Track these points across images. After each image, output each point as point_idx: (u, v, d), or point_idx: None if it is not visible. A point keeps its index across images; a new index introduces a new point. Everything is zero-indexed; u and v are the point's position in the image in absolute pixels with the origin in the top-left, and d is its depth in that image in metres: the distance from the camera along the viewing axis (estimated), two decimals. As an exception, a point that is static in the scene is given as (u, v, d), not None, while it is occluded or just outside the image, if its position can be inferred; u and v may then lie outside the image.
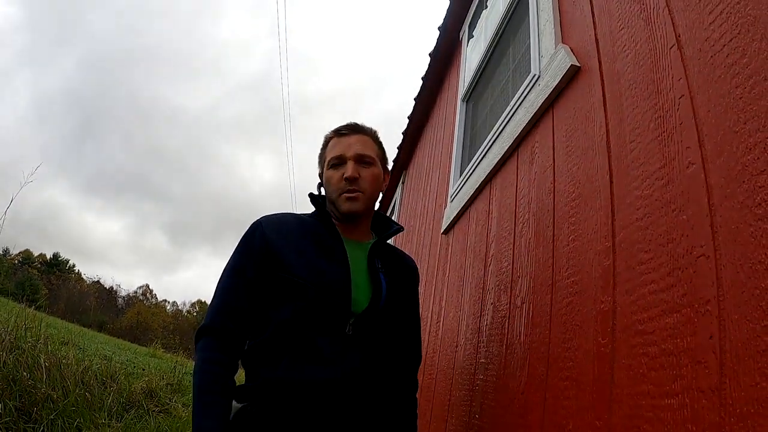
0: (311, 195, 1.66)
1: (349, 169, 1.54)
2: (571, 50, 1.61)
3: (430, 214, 3.88)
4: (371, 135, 1.65)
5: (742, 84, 0.85)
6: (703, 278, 0.85)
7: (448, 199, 3.16)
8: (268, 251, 1.47)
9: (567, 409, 1.19)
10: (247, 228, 1.56)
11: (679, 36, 1.04)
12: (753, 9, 0.85)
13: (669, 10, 1.09)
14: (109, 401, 3.82)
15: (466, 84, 3.35)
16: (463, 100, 3.38)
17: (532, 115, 1.80)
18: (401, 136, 5.85)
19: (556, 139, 1.60)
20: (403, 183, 6.27)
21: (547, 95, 1.68)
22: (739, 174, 0.82)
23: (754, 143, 0.79)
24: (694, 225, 0.90)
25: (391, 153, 6.31)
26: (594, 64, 1.44)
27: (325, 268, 1.48)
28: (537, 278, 1.54)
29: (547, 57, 1.78)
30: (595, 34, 1.48)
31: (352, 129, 1.63)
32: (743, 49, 0.86)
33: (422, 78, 4.83)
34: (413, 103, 5.24)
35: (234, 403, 1.39)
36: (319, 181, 1.67)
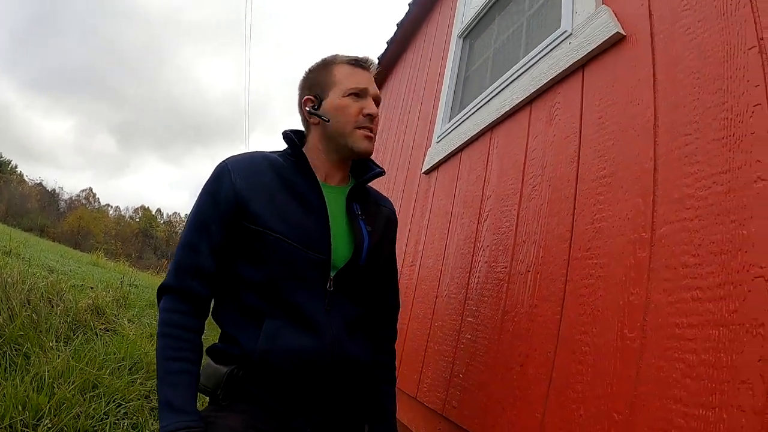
0: (287, 134, 1.54)
1: (374, 106, 1.50)
2: (615, 14, 1.57)
3: (406, 150, 3.84)
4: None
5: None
6: (760, 300, 0.88)
7: (434, 139, 3.13)
8: (237, 202, 1.39)
9: (579, 393, 1.24)
10: (213, 172, 1.46)
11: (762, 39, 1.02)
12: None
13: (752, 8, 1.07)
14: (56, 322, 3.74)
15: (466, 20, 3.25)
16: (460, 37, 3.29)
17: (556, 73, 1.77)
18: (376, 60, 5.70)
19: (585, 107, 1.59)
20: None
21: (579, 57, 1.65)
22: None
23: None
24: (756, 243, 0.92)
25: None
26: (644, 37, 1.41)
27: (302, 219, 1.42)
28: (548, 249, 1.56)
29: (584, 16, 1.74)
30: (649, 6, 1.43)
31: (371, 64, 1.56)
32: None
33: (409, 3, 4.65)
34: (395, 28, 5.08)
35: (212, 363, 1.36)
36: (312, 105, 1.54)
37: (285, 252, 1.37)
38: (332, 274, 1.42)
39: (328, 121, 1.50)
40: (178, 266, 1.38)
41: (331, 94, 1.51)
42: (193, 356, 1.31)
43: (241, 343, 1.34)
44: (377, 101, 1.53)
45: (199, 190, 1.46)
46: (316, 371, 1.35)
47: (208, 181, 1.46)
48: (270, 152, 1.56)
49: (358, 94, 1.49)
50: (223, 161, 1.48)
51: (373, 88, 1.52)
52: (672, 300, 1.06)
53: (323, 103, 1.52)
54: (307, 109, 1.55)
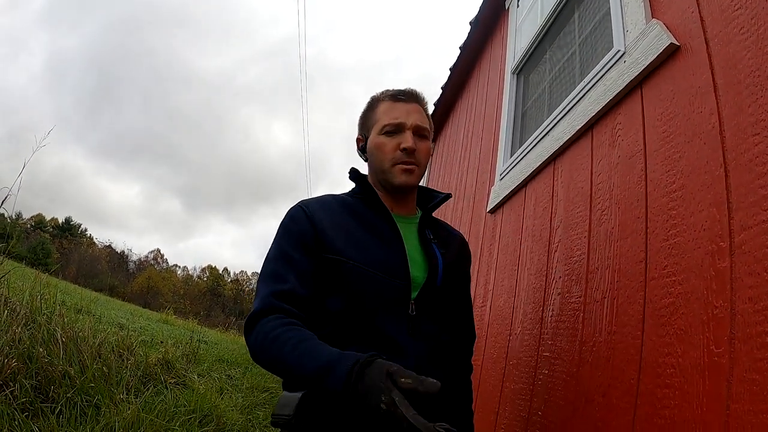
0: (354, 171, 1.64)
1: (409, 139, 1.52)
2: (666, 27, 1.56)
3: (470, 191, 3.85)
4: (425, 106, 1.65)
5: None
6: None
7: (496, 177, 3.13)
8: (316, 233, 1.44)
9: (667, 419, 1.19)
10: (286, 214, 1.54)
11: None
12: None
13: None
14: (127, 375, 3.85)
15: (518, 56, 3.29)
16: (513, 73, 3.32)
17: (614, 93, 1.76)
18: (432, 106, 5.82)
19: (647, 122, 1.57)
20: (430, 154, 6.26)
21: (636, 74, 1.65)
22: None
23: None
24: None
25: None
26: (698, 44, 1.40)
27: (380, 249, 1.46)
28: (623, 272, 1.52)
29: (636, 32, 1.74)
30: (699, 12, 1.43)
31: (412, 96, 1.61)
32: None
33: (460, 47, 4.79)
34: (448, 72, 5.20)
35: (286, 393, 1.32)
36: (361, 145, 1.67)
37: (362, 279, 1.39)
38: (413, 297, 1.43)
39: (367, 160, 1.63)
40: (263, 294, 1.34)
41: (372, 132, 1.60)
42: (308, 332, 1.24)
43: None
44: (418, 131, 1.56)
45: (275, 236, 1.51)
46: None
47: (283, 222, 1.52)
48: (337, 194, 1.65)
49: (393, 130, 1.55)
50: (295, 204, 1.56)
51: (411, 121, 1.55)
52: (759, 308, 1.01)
53: (367, 141, 1.62)
54: (357, 148, 1.69)
